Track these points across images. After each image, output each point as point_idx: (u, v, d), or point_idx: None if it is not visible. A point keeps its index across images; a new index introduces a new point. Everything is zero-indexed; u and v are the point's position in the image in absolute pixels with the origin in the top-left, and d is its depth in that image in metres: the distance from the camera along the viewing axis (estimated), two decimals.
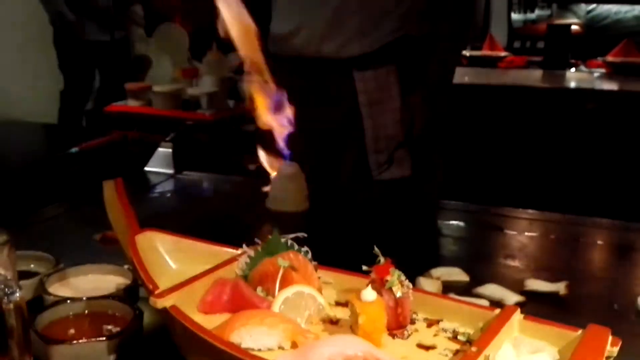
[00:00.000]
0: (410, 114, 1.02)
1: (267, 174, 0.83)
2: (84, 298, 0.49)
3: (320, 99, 1.05)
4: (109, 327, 0.47)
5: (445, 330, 0.45)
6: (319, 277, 0.49)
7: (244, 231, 0.77)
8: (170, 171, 0.97)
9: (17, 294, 0.38)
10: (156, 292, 0.43)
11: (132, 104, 2.05)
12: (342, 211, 0.86)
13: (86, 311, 0.48)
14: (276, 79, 1.12)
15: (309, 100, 1.05)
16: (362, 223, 0.82)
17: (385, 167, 1.02)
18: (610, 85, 2.04)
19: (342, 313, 0.46)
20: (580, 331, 0.42)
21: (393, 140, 1.03)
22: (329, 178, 1.05)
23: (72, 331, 0.46)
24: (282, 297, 0.44)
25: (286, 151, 0.76)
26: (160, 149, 0.99)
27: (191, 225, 0.79)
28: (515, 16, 3.74)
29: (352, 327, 0.44)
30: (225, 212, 0.86)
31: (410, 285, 0.46)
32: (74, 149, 1.01)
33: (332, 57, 1.02)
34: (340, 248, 0.69)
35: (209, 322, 0.43)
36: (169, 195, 0.93)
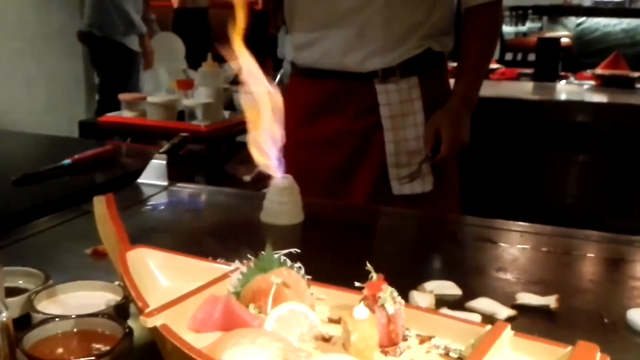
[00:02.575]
0: (434, 132, 1.00)
1: (262, 186, 0.83)
2: (73, 316, 0.48)
3: (340, 111, 1.03)
4: (99, 345, 0.46)
5: (437, 347, 0.45)
6: (312, 294, 0.49)
7: (238, 245, 0.77)
8: (164, 183, 0.97)
9: (4, 314, 0.38)
10: (146, 310, 0.43)
11: (126, 114, 2.05)
12: (338, 224, 0.85)
13: (75, 329, 0.47)
14: (294, 88, 1.10)
15: (328, 112, 1.04)
16: (358, 236, 0.82)
17: (407, 181, 1.00)
18: (600, 98, 2.07)
19: (335, 330, 0.46)
20: (569, 348, 0.43)
21: (414, 155, 1.01)
22: (346, 191, 1.03)
23: (60, 350, 0.45)
24: (274, 315, 0.44)
25: (278, 165, 0.75)
26: (153, 161, 0.98)
27: (184, 239, 0.79)
28: (506, 29, 3.80)
29: (345, 345, 0.43)
30: (218, 225, 0.86)
31: (403, 302, 0.46)
32: (67, 161, 1.00)
33: (354, 70, 1.01)
34: (335, 261, 0.69)
35: (200, 340, 0.43)
36: (162, 207, 0.92)
